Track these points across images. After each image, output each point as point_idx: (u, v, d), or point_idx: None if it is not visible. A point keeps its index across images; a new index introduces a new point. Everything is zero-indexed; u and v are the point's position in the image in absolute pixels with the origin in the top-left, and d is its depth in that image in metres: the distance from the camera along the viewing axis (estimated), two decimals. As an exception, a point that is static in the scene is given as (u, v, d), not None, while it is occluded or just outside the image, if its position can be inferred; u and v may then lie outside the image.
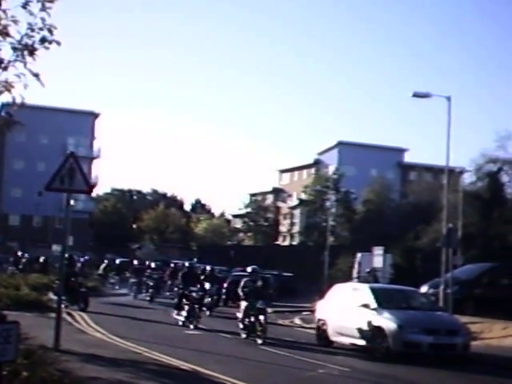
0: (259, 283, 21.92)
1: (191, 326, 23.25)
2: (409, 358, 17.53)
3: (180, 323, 24.01)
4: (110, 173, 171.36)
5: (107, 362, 13.81)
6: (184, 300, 24.32)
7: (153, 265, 40.31)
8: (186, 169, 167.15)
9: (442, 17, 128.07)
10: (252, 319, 20.92)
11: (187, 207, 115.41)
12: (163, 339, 19.47)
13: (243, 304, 21.56)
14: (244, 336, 21.01)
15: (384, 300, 19.56)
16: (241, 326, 21.46)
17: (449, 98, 28.89)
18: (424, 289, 29.17)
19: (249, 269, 22.57)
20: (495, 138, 49.42)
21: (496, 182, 51.64)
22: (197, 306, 24.14)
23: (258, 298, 21.15)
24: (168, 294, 37.99)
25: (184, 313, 24.08)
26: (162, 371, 13.54)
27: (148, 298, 35.51)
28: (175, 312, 25.09)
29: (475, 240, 45.73)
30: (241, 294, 21.80)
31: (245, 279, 22.16)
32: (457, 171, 47.23)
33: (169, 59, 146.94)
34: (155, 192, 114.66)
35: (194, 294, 24.24)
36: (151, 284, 36.88)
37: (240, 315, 21.60)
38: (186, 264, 26.37)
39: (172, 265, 43.15)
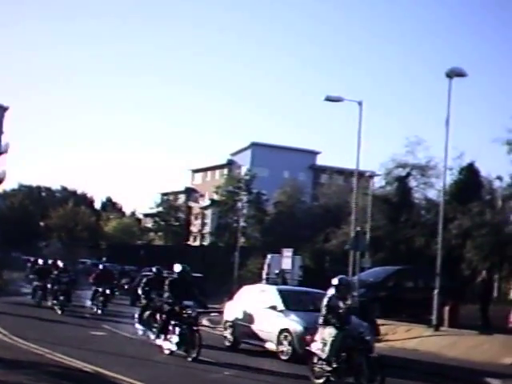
0: (351, 301, 15.62)
1: (189, 359, 16.58)
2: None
3: (166, 352, 17.54)
4: (19, 168, 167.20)
5: (6, 364, 13.45)
6: (172, 321, 17.62)
7: (60, 264, 32.40)
8: (98, 166, 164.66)
9: (354, 22, 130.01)
10: (343, 356, 14.02)
11: (97, 205, 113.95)
12: (67, 340, 19.06)
13: (329, 333, 14.44)
14: (321, 382, 14.40)
15: (291, 302, 19.66)
16: (325, 367, 14.28)
17: (360, 103, 29.38)
18: (331, 291, 29.47)
19: (335, 280, 15.11)
20: (405, 144, 50.58)
21: (404, 186, 52.77)
22: (195, 328, 17.02)
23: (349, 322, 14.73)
24: (90, 303, 30.75)
25: (175, 338, 17.27)
26: (63, 373, 13.25)
27: (57, 308, 29.09)
28: (161, 338, 18.11)
29: (383, 243, 46.61)
30: (326, 318, 14.65)
31: (329, 294, 14.94)
32: (367, 175, 47.96)
33: (81, 56, 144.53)
34: (65, 189, 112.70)
35: (189, 311, 17.28)
36: (59, 289, 29.79)
37: (321, 351, 14.45)
38: (178, 268, 18.65)
39: (100, 266, 33.55)
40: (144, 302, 21.84)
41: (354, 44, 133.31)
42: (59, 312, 28.46)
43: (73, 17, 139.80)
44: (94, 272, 32.60)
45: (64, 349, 16.54)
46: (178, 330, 17.23)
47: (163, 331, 18.00)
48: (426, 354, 20.68)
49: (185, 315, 17.30)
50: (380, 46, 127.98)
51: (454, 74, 24.40)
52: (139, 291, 22.32)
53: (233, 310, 21.75)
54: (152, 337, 19.75)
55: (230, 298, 24.15)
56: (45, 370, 13.33)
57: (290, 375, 15.89)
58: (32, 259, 42.89)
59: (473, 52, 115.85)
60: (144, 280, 22.85)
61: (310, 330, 17.91)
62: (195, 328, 17.05)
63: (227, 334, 21.15)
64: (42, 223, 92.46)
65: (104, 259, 64.28)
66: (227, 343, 20.86)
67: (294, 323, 18.46)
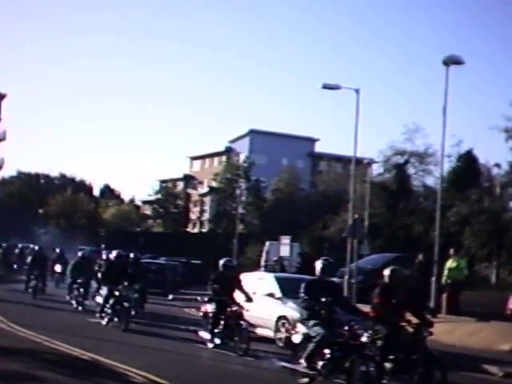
0: None
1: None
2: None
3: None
4: (17, 155, 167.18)
5: (3, 352, 13.45)
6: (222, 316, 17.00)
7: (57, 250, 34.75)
8: (96, 153, 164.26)
9: (353, 11, 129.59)
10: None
11: (96, 192, 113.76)
12: (65, 328, 19.07)
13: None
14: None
15: (288, 289, 19.62)
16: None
17: (357, 91, 29.30)
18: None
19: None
20: (403, 131, 50.60)
21: (403, 173, 52.85)
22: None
23: None
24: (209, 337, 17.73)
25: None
26: (61, 361, 13.24)
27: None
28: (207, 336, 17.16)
29: (381, 230, 46.64)
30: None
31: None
32: (365, 162, 47.97)
33: (79, 42, 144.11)
34: (63, 176, 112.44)
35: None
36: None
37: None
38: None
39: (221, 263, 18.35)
40: None
41: (352, 31, 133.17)
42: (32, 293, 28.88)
43: (74, 4, 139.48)
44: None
45: (62, 336, 16.55)
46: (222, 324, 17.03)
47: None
48: (424, 341, 20.65)
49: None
50: (378, 34, 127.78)
51: (451, 61, 24.29)
52: None
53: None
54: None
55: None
56: (42, 358, 13.32)
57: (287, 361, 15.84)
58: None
59: (470, 39, 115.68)
60: None
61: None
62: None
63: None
64: (40, 210, 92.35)
65: (103, 246, 64.33)
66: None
67: (292, 310, 18.45)
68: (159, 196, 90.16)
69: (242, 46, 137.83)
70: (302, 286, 13.22)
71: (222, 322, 16.90)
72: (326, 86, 29.50)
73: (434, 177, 50.80)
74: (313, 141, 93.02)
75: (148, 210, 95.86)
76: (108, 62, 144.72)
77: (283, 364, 13.14)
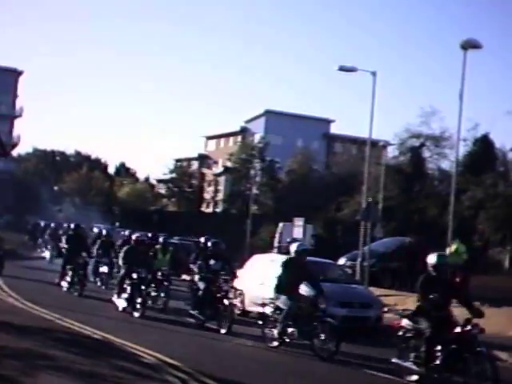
0: None
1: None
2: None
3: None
4: (33, 132, 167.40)
5: (16, 330, 13.53)
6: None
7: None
8: (112, 132, 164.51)
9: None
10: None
11: (111, 170, 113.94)
12: (78, 306, 19.18)
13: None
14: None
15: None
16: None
17: (374, 73, 29.19)
18: (342, 261, 29.55)
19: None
20: (419, 114, 50.35)
21: (418, 156, 52.64)
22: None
23: None
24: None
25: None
26: (72, 340, 13.33)
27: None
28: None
29: (395, 213, 46.53)
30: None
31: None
32: (380, 144, 47.80)
33: (95, 20, 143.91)
34: (79, 154, 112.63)
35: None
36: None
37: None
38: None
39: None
40: None
41: (369, 13, 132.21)
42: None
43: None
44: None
45: (75, 315, 16.69)
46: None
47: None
48: (435, 326, 20.66)
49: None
50: (395, 16, 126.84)
51: (468, 45, 24.11)
52: None
53: (243, 278, 21.81)
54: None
55: (241, 266, 24.20)
56: (54, 337, 13.41)
57: (300, 345, 15.89)
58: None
59: (488, 23, 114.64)
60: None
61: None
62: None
63: (237, 302, 21.22)
64: (56, 187, 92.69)
65: (117, 224, 64.58)
66: (237, 311, 20.93)
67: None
68: (174, 175, 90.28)
69: (259, 27, 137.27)
70: None
71: (439, 348, 11.81)
72: (342, 68, 29.42)
73: (449, 160, 50.64)
74: (328, 122, 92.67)
75: (162, 189, 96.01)
76: (126, 41, 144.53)
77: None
